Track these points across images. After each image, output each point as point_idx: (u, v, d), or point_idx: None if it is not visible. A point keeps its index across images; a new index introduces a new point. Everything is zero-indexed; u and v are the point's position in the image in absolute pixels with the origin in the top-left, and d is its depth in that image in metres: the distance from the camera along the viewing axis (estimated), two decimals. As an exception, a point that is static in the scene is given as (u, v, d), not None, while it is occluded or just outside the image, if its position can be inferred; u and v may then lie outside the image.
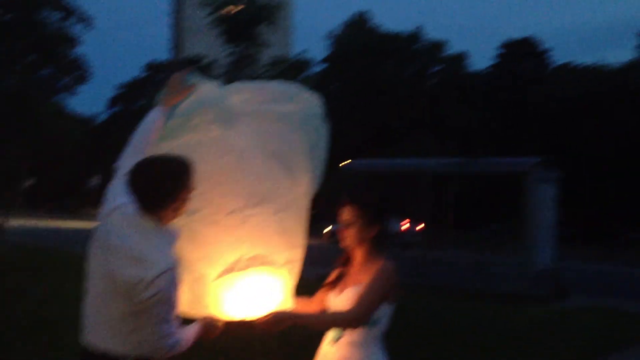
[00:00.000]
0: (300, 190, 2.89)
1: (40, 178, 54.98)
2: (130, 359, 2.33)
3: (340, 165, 15.87)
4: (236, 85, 3.07)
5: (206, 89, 2.84)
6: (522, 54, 45.34)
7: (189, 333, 2.51)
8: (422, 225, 14.99)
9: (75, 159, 48.40)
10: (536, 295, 12.10)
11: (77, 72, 23.47)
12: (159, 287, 2.24)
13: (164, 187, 2.36)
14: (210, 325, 2.65)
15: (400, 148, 38.54)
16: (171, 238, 2.41)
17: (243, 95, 2.94)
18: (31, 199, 56.35)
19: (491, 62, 48.03)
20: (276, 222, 2.78)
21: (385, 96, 42.34)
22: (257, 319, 2.67)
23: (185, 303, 2.58)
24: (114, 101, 59.50)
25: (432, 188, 14.87)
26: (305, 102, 3.03)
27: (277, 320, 2.67)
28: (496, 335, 8.43)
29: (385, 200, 2.92)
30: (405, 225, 24.92)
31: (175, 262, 2.33)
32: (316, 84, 47.81)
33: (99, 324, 2.36)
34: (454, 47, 74.59)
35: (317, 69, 48.13)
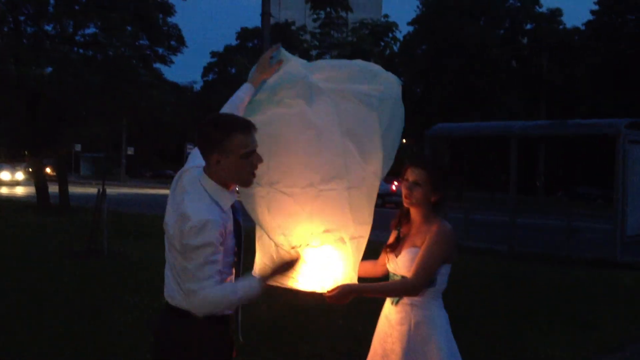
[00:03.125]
0: (371, 169, 2.93)
1: (141, 147, 57.50)
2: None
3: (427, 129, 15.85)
4: (318, 63, 3.17)
5: (291, 65, 2.98)
6: (620, 9, 42.78)
7: (233, 294, 2.42)
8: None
9: (173, 128, 49.87)
10: (626, 261, 11.80)
11: (173, 42, 24.26)
12: (188, 240, 2.30)
13: (210, 135, 2.42)
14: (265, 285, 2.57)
15: (490, 110, 37.70)
16: (226, 199, 2.44)
17: (324, 73, 3.02)
18: (132, 168, 59.09)
19: (588, 18, 45.68)
20: (347, 198, 2.86)
21: (474, 57, 41.23)
22: (326, 292, 2.83)
23: (259, 269, 2.79)
24: (207, 69, 61.04)
25: (521, 152, 14.52)
26: (384, 84, 3.05)
27: (344, 294, 2.81)
28: (582, 300, 8.41)
29: (451, 168, 3.01)
30: (395, 185, 24.93)
31: (214, 219, 2.32)
32: (404, 46, 47.31)
33: (170, 278, 2.48)
34: (548, 2, 71.24)
35: (406, 30, 47.39)
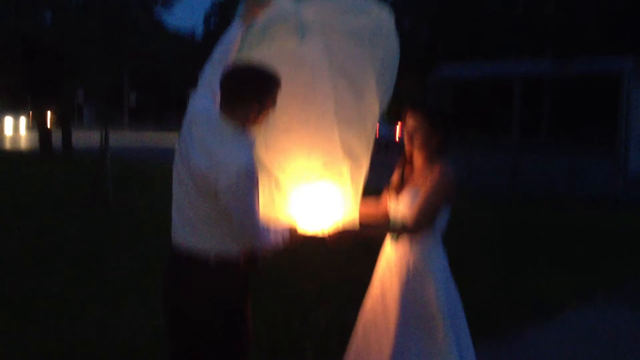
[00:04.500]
0: (366, 105, 2.93)
1: (143, 95, 57.20)
2: (212, 255, 2.45)
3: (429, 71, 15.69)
4: None
5: (282, 1, 2.91)
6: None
7: (277, 234, 2.61)
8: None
9: (175, 75, 49.48)
10: (627, 200, 11.86)
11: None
12: (235, 187, 2.31)
13: (251, 90, 2.44)
14: (294, 232, 2.76)
15: (496, 55, 37.20)
16: (249, 142, 2.47)
17: (314, 8, 2.95)
18: (135, 115, 58.90)
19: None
20: (337, 133, 2.88)
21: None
22: (326, 235, 2.85)
23: (262, 209, 2.70)
24: (208, 16, 60.19)
25: (525, 93, 14.39)
26: (376, 17, 3.00)
27: (345, 236, 2.85)
28: (583, 241, 8.49)
29: (449, 109, 3.02)
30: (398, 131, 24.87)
31: (251, 162, 2.36)
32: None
33: (182, 224, 2.49)
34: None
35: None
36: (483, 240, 8.25)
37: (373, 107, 2.98)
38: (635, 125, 12.35)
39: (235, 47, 2.80)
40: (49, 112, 21.15)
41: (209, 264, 2.46)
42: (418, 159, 3.00)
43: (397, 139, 25.20)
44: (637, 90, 12.34)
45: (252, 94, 2.45)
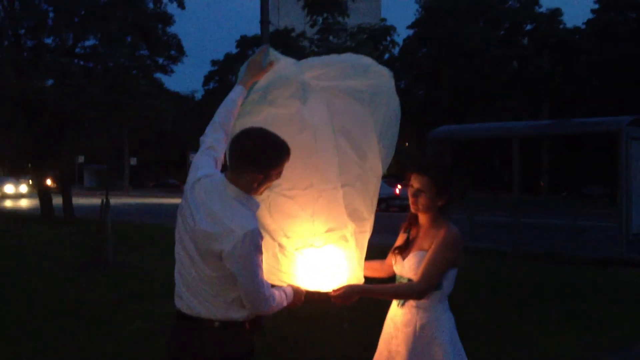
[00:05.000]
0: (368, 166, 2.93)
1: (143, 157, 57.64)
2: (217, 321, 2.42)
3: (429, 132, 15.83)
4: (308, 61, 3.07)
5: (282, 65, 2.93)
6: (621, 5, 42.77)
7: (282, 296, 2.58)
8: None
9: (175, 137, 49.91)
10: (632, 259, 11.76)
11: (172, 51, 24.35)
12: (240, 252, 2.31)
13: (262, 157, 2.42)
14: (297, 293, 2.74)
15: (492, 112, 37.76)
16: (253, 206, 2.47)
17: (315, 71, 2.97)
18: (136, 178, 59.24)
19: (588, 17, 45.72)
20: (345, 198, 2.87)
21: (475, 58, 41.30)
22: (332, 292, 2.84)
23: (266, 270, 2.65)
24: (208, 78, 61.30)
25: (524, 152, 14.50)
26: (376, 77, 3.02)
27: (350, 293, 2.83)
28: (589, 299, 8.37)
29: (454, 171, 2.99)
30: (398, 188, 25.02)
31: (255, 227, 2.36)
32: (404, 50, 47.36)
33: (186, 289, 2.47)
34: (548, 2, 71.18)
35: (406, 34, 47.44)
36: (488, 299, 8.14)
37: (375, 168, 2.97)
38: (636, 183, 12.37)
39: (236, 111, 2.80)
40: (49, 174, 21.26)
41: (214, 328, 2.42)
42: (424, 221, 2.97)
43: (397, 194, 25.27)
44: (636, 148, 12.41)
45: (260, 164, 2.43)
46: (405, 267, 2.92)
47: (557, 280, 9.91)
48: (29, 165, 22.00)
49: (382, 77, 3.03)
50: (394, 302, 2.99)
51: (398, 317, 2.94)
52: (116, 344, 5.75)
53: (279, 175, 2.52)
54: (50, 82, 19.59)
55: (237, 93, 2.83)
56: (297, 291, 2.74)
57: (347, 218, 2.87)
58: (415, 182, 2.92)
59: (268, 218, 2.83)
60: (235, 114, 2.79)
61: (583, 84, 40.49)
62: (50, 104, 17.73)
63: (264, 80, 2.87)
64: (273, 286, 2.56)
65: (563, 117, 20.62)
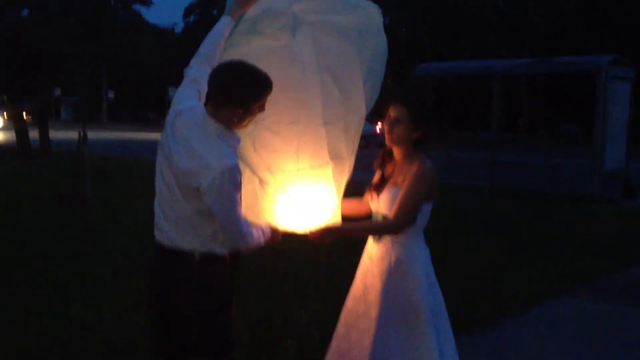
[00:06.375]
0: (352, 104, 2.89)
1: (122, 91, 56.70)
2: (197, 254, 2.43)
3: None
4: None
5: None
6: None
7: (259, 233, 2.58)
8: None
9: (154, 71, 48.97)
10: (605, 196, 12.02)
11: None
12: (218, 188, 2.29)
13: (240, 91, 2.38)
14: (274, 232, 2.74)
15: (475, 53, 37.52)
16: (234, 142, 2.44)
17: (303, 4, 2.89)
18: (114, 112, 58.37)
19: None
20: (324, 135, 2.83)
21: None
22: (310, 232, 2.86)
23: (245, 206, 2.61)
24: (189, 11, 59.81)
25: (504, 90, 14.53)
26: (364, 15, 2.96)
27: (327, 233, 2.87)
28: (561, 237, 8.59)
29: (432, 105, 2.94)
30: (379, 126, 25.08)
31: (234, 163, 2.34)
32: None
33: (165, 221, 2.46)
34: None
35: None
36: (463, 234, 8.33)
37: (359, 108, 2.93)
38: (612, 122, 12.51)
39: (223, 42, 2.73)
40: (25, 107, 20.90)
41: (195, 260, 2.44)
42: (398, 155, 2.96)
43: (377, 132, 25.24)
44: (614, 87, 12.50)
45: (238, 98, 2.39)
46: (381, 203, 2.94)
47: (531, 216, 10.15)
48: (5, 98, 21.51)
49: (370, 15, 2.98)
50: (370, 237, 3.03)
51: (374, 251, 2.98)
52: (97, 280, 5.79)
53: (261, 108, 2.48)
54: (25, 13, 19.01)
55: (224, 24, 2.75)
56: (274, 230, 2.74)
57: (329, 157, 2.85)
58: (392, 112, 2.90)
59: (252, 152, 2.79)
60: (221, 46, 2.73)
61: (564, 25, 40.20)
62: (27, 36, 17.26)
63: (252, 10, 2.79)
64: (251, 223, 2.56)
65: (543, 56, 20.58)
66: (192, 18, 59.37)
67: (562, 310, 5.53)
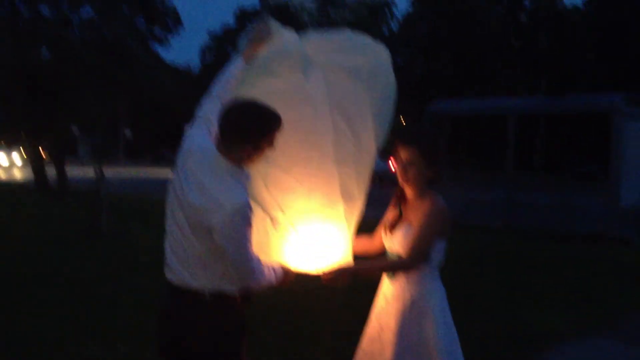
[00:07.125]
0: (363, 143, 2.91)
1: (139, 129, 57.24)
2: (207, 293, 2.42)
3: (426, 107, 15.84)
4: (308, 35, 3.03)
5: (285, 36, 2.87)
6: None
7: (270, 272, 2.58)
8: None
9: (171, 109, 49.46)
10: (621, 236, 11.87)
11: (169, 22, 24.14)
12: (229, 225, 2.31)
13: (249, 127, 2.40)
14: (287, 273, 2.73)
15: (492, 86, 37.62)
16: (244, 179, 2.45)
17: (313, 45, 2.93)
18: (131, 151, 58.90)
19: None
20: (336, 175, 2.84)
21: (476, 33, 41.11)
22: (322, 273, 2.84)
23: (256, 244, 2.55)
24: (205, 51, 60.74)
25: (520, 129, 14.50)
26: (373, 55, 2.99)
27: (340, 275, 2.84)
28: (578, 276, 8.48)
29: (443, 143, 2.95)
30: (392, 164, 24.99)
31: (245, 201, 2.35)
32: (404, 25, 47.08)
33: (176, 260, 2.47)
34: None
35: (406, 8, 47.04)
36: (479, 274, 8.24)
37: (370, 147, 2.95)
38: (628, 160, 12.42)
39: (234, 83, 2.76)
40: (43, 145, 21.14)
41: (205, 300, 2.43)
42: (410, 194, 2.96)
43: (392, 170, 25.18)
44: (629, 126, 12.45)
45: (247, 134, 2.41)
46: (394, 242, 2.93)
47: (547, 255, 10.04)
48: (23, 136, 21.80)
49: (379, 55, 3.01)
50: (385, 276, 3.01)
51: (389, 290, 2.96)
52: (113, 316, 5.78)
53: (270, 145, 2.49)
54: (44, 49, 19.39)
55: (236, 65, 2.80)
56: (287, 271, 2.74)
57: (341, 196, 2.86)
58: (402, 154, 2.90)
59: (263, 191, 2.79)
60: (233, 86, 2.76)
61: (579, 60, 40.36)
62: (47, 74, 17.57)
63: (265, 51, 2.82)
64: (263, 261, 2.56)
65: (559, 94, 20.57)
66: (207, 59, 60.20)
67: (581, 353, 5.41)
